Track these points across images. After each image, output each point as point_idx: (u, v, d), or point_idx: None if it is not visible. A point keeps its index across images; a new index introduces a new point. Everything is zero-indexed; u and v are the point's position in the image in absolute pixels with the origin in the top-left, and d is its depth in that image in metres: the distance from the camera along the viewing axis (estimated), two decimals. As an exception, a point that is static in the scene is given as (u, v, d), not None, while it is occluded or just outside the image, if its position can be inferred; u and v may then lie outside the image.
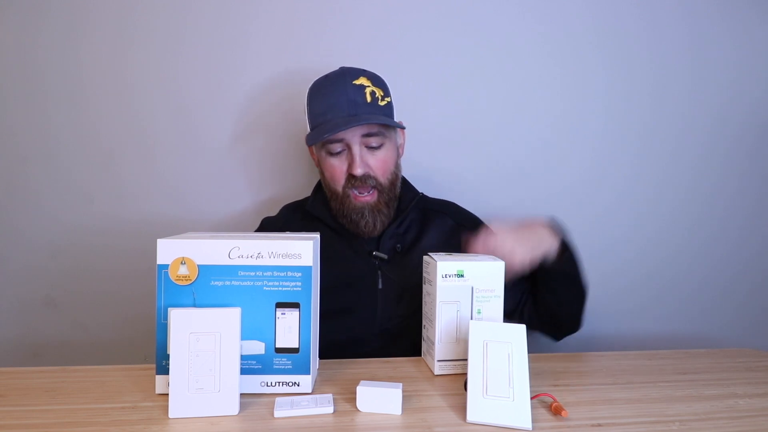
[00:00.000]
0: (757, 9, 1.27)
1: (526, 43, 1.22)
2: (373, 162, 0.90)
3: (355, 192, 0.90)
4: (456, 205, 1.05)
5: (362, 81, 0.90)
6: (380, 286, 0.91)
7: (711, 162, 1.29)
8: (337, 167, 0.90)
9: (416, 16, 1.19)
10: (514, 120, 1.23)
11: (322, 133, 0.86)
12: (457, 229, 0.98)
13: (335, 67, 0.97)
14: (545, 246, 0.81)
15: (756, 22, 1.27)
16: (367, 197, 0.90)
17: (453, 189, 1.05)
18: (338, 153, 0.90)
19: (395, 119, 0.96)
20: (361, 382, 0.61)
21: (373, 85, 0.91)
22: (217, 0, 1.15)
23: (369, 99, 0.88)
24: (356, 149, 0.88)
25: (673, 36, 1.25)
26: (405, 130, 1.02)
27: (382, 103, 0.90)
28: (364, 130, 0.88)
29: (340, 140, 0.88)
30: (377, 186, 0.91)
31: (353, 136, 0.88)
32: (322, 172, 0.96)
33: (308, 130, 0.94)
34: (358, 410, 0.59)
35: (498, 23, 1.21)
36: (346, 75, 0.91)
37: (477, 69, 1.22)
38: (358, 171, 0.88)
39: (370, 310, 0.91)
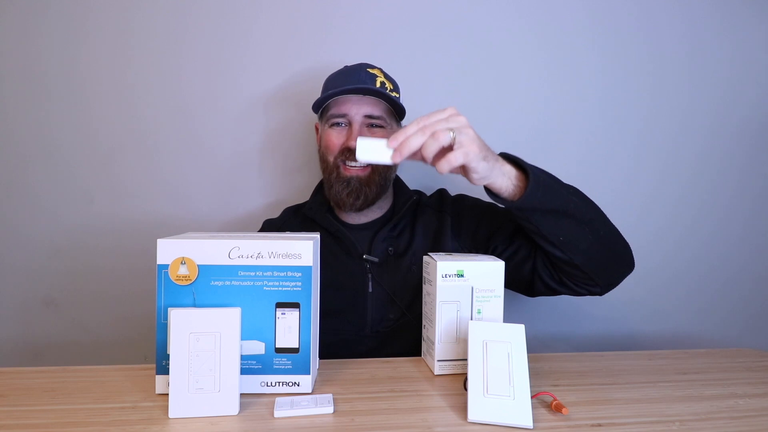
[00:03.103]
0: (755, 8, 1.27)
1: (525, 42, 1.23)
2: None
3: (346, 164, 0.93)
4: (442, 190, 1.04)
5: (375, 71, 0.95)
6: (370, 290, 0.91)
7: (709, 161, 1.29)
8: (335, 138, 0.94)
9: (418, 15, 1.19)
10: (512, 118, 1.24)
11: (327, 96, 0.91)
12: (440, 216, 0.97)
13: (338, 67, 0.99)
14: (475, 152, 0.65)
15: (754, 21, 1.27)
16: (358, 170, 0.92)
17: (454, 184, 1.05)
18: (339, 126, 0.94)
19: (402, 123, 1.00)
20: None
21: (385, 78, 0.95)
22: (218, 0, 1.15)
23: (378, 86, 0.92)
24: (356, 125, 0.92)
25: (671, 35, 1.26)
26: None
27: (391, 94, 0.93)
28: (367, 109, 0.92)
29: (344, 114, 0.92)
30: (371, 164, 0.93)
31: (356, 113, 0.92)
32: (320, 147, 0.99)
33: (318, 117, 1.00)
34: (359, 409, 0.59)
35: (497, 23, 1.22)
36: (362, 64, 0.96)
37: (477, 67, 1.22)
38: (353, 143, 0.90)
39: (360, 312, 0.91)
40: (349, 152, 0.91)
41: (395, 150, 0.65)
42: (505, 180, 0.71)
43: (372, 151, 0.66)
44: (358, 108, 0.92)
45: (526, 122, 1.24)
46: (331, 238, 0.95)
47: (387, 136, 0.94)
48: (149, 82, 1.15)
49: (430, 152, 0.64)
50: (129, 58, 1.15)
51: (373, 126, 0.93)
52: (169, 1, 1.14)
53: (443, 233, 0.94)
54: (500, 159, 0.71)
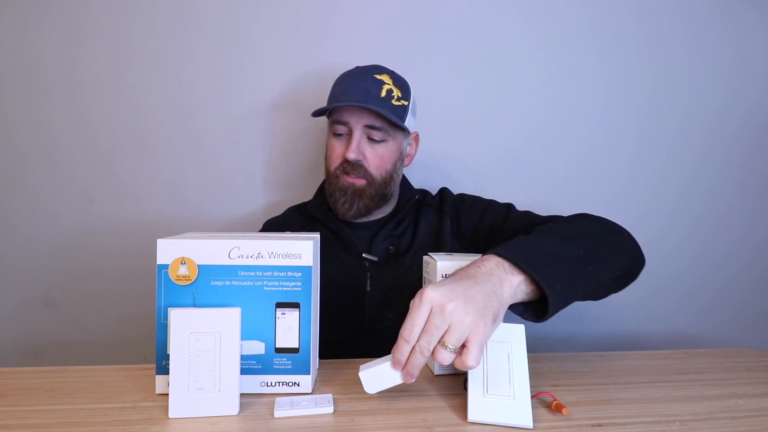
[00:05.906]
0: (756, 8, 1.27)
1: (525, 42, 1.23)
2: (369, 154, 0.92)
3: (345, 175, 0.92)
4: (443, 190, 1.03)
5: (384, 77, 0.92)
6: (368, 288, 0.91)
7: (709, 161, 1.29)
8: (336, 148, 0.94)
9: (418, 15, 1.19)
10: (512, 118, 1.24)
11: (325, 107, 0.91)
12: (440, 217, 0.97)
13: (338, 67, 0.99)
14: (498, 299, 0.56)
15: (754, 21, 1.27)
16: (354, 179, 0.92)
17: (456, 183, 1.05)
18: (341, 136, 0.93)
19: (412, 129, 0.97)
20: (361, 367, 0.59)
21: (394, 84, 0.92)
22: (218, 0, 1.15)
23: (383, 94, 0.90)
24: (357, 135, 0.91)
25: (671, 35, 1.26)
26: (419, 142, 1.02)
27: (396, 103, 0.91)
28: (367, 120, 0.90)
29: (345, 123, 0.91)
30: (367, 177, 0.92)
31: (357, 123, 0.90)
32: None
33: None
34: (359, 409, 0.59)
35: (497, 23, 1.22)
36: (371, 69, 0.94)
37: (477, 67, 1.22)
38: (351, 155, 0.90)
39: (358, 311, 0.91)
40: (347, 163, 0.91)
41: (404, 372, 0.57)
42: (518, 305, 0.60)
43: (379, 380, 0.58)
44: (358, 117, 0.90)
45: (526, 122, 1.24)
46: (332, 235, 0.95)
47: (385, 155, 0.92)
48: (149, 82, 1.15)
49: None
50: (129, 58, 1.15)
51: (374, 140, 0.91)
52: (169, 1, 1.14)
53: (443, 234, 0.94)
54: (507, 288, 0.57)
